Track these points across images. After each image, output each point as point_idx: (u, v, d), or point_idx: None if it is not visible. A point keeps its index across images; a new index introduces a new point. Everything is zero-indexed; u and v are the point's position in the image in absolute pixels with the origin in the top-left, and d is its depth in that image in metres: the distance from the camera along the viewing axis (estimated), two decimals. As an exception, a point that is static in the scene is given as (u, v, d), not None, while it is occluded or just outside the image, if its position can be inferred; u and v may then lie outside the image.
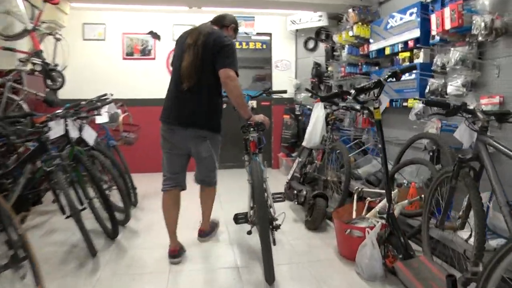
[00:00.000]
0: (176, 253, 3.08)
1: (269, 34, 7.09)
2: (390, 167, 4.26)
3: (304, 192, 3.83)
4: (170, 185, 3.08)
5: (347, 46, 5.30)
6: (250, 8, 6.26)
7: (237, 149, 3.59)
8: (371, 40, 4.87)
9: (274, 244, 2.68)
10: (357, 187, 3.47)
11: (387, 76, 2.53)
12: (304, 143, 4.51)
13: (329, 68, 6.27)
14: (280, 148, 7.04)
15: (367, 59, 5.06)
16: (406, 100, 4.10)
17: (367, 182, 4.07)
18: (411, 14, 4.03)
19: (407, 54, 4.13)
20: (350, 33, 5.15)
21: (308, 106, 5.56)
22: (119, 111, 4.43)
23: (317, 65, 6.60)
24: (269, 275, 2.60)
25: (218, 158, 3.15)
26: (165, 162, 3.12)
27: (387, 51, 4.48)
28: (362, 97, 2.58)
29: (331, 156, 4.29)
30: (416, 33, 3.92)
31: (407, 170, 3.82)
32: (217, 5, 5.85)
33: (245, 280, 2.80)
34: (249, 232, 2.90)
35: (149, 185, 5.74)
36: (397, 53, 4.32)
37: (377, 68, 4.87)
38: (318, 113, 4.40)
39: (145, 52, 6.69)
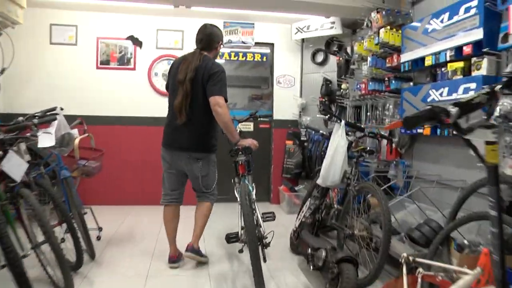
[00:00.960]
0: (175, 258, 3.38)
1: (271, 45, 6.04)
2: (435, 215, 3.17)
3: (324, 254, 2.70)
4: (168, 200, 3.41)
5: (370, 57, 4.25)
6: (247, 10, 5.23)
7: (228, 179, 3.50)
8: (403, 49, 3.83)
9: (265, 261, 2.81)
10: (405, 255, 2.34)
11: (504, 82, 1.45)
12: (319, 181, 3.40)
13: (343, 86, 5.22)
14: (281, 180, 5.91)
15: (396, 73, 4.01)
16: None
17: (410, 239, 2.95)
18: (467, 9, 3.00)
19: (460, 64, 3.08)
20: (375, 41, 4.11)
21: (321, 131, 4.46)
22: (74, 131, 3.31)
23: (327, 81, 5.56)
24: None
25: (216, 176, 3.40)
26: (165, 179, 3.43)
27: (428, 62, 3.44)
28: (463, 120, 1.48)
29: (354, 199, 3.20)
30: (477, 34, 2.88)
31: (464, 226, 2.72)
32: (209, 4, 4.83)
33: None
34: (241, 251, 2.98)
35: (118, 223, 4.63)
36: (443, 64, 3.28)
37: (411, 84, 3.81)
38: (339, 141, 3.31)
39: (124, 61, 5.61)
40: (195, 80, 3.06)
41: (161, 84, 5.65)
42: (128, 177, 5.58)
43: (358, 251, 3.05)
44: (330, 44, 5.67)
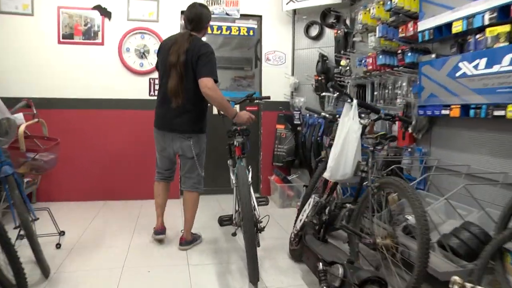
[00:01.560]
0: (160, 230, 3.43)
1: (259, 17, 5.34)
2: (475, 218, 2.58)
3: (341, 271, 2.09)
4: (160, 177, 3.49)
5: (379, 26, 3.61)
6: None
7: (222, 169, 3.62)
8: (421, 15, 3.21)
9: (258, 245, 2.69)
10: (457, 279, 1.74)
11: None
12: (326, 174, 2.78)
13: (342, 62, 4.58)
14: (271, 169, 5.28)
15: (413, 44, 3.38)
16: (503, 106, 2.45)
17: (450, 250, 2.34)
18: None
19: (505, 28, 2.47)
20: (387, 6, 3.46)
21: (323, 113, 3.78)
22: (18, 116, 2.60)
23: (324, 58, 4.90)
24: (254, 276, 2.58)
25: (203, 162, 3.37)
26: (158, 160, 3.49)
27: (456, 28, 2.82)
28: None
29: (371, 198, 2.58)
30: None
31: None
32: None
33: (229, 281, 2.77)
34: (234, 234, 2.89)
35: (85, 224, 3.94)
36: (479, 30, 2.67)
37: (432, 56, 3.18)
38: (350, 125, 2.68)
39: (90, 35, 4.84)
40: (187, 63, 3.06)
41: (134, 61, 4.93)
42: (97, 168, 4.88)
43: (381, 263, 2.45)
44: (326, 16, 4.99)
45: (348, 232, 2.72)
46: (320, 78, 4.84)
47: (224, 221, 3.00)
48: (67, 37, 4.78)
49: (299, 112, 5.02)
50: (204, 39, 3.34)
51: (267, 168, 5.31)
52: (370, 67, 3.82)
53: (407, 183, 2.40)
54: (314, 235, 2.79)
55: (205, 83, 2.98)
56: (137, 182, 4.92)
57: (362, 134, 2.72)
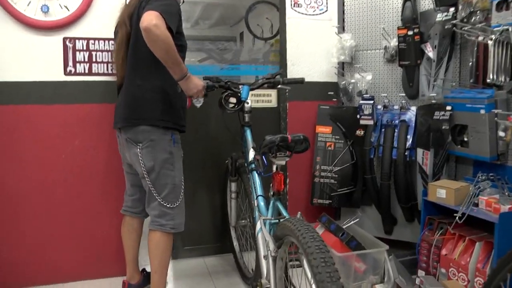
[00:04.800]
0: (126, 286, 2.35)
1: None
2: None
3: None
4: (124, 209, 2.36)
5: None
6: None
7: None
8: None
9: None
10: None
11: None
12: None
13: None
14: (311, 212, 2.83)
15: None
16: None
17: None
18: None
19: None
20: None
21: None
22: None
23: (413, -5, 2.53)
24: None
25: (180, 181, 2.09)
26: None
27: None
28: None
29: None
30: None
31: None
32: None
33: None
34: None
35: None
36: None
37: None
38: None
39: None
40: (133, 16, 2.02)
41: (28, 2, 2.37)
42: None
43: None
44: None
45: None
46: (410, 34, 2.44)
47: None
48: None
49: (371, 101, 2.57)
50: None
51: (299, 209, 2.84)
52: None
53: None
54: None
55: (147, 17, 1.73)
56: (44, 253, 2.49)
57: None
